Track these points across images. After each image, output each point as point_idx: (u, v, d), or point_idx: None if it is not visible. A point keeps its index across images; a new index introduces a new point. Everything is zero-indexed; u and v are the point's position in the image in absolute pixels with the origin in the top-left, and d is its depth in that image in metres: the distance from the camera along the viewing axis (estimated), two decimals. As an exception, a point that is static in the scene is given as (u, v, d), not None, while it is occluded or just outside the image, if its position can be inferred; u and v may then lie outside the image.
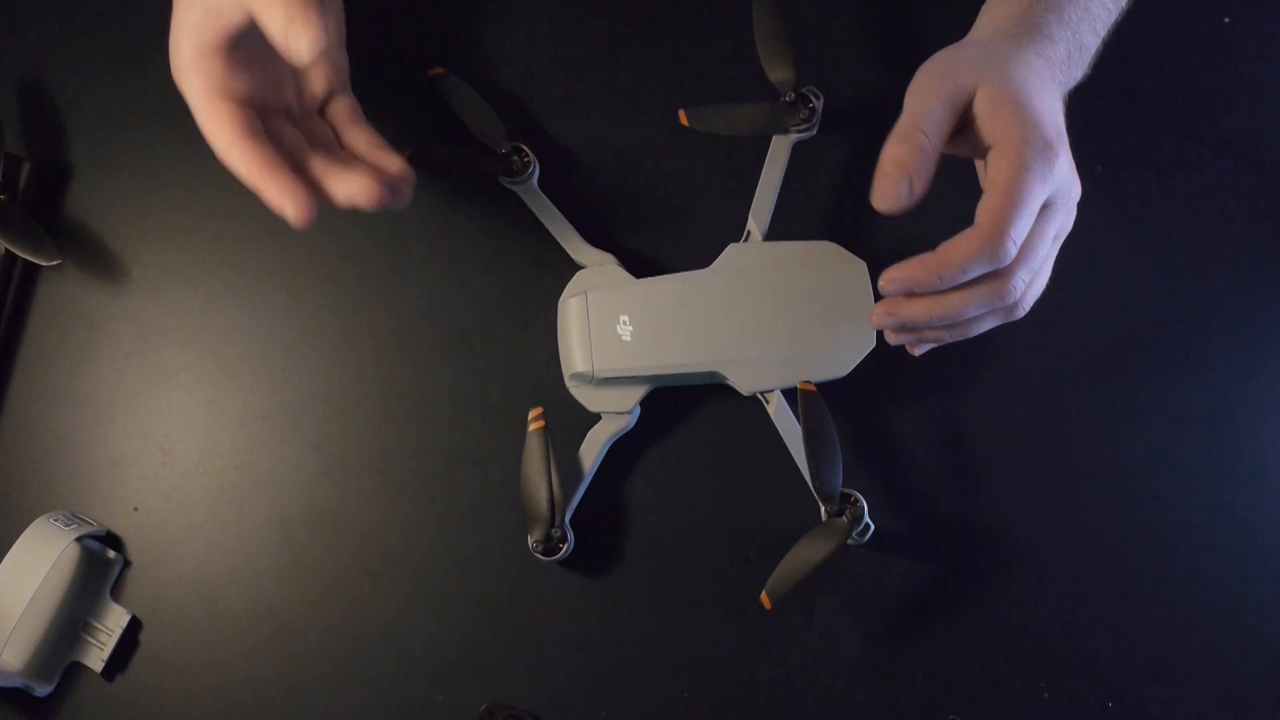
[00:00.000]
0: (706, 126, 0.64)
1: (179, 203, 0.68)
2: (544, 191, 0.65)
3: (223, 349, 0.66)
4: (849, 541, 0.58)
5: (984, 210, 0.49)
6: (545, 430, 0.59)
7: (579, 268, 0.64)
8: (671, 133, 0.68)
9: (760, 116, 0.64)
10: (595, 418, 0.62)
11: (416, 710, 0.61)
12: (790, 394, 0.61)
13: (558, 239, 0.65)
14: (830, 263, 0.62)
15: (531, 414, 0.59)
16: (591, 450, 0.62)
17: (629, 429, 0.62)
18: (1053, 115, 0.51)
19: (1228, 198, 0.68)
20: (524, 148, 0.65)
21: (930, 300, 0.51)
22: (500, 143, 0.64)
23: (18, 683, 0.59)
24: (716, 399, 0.64)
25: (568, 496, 0.60)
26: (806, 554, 0.56)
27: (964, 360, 0.65)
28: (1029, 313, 0.53)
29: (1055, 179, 0.49)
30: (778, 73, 0.64)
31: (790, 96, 0.64)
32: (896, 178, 0.49)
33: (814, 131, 0.64)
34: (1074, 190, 0.52)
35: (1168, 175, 0.68)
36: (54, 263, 0.63)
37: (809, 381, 0.60)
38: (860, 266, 0.62)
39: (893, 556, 0.63)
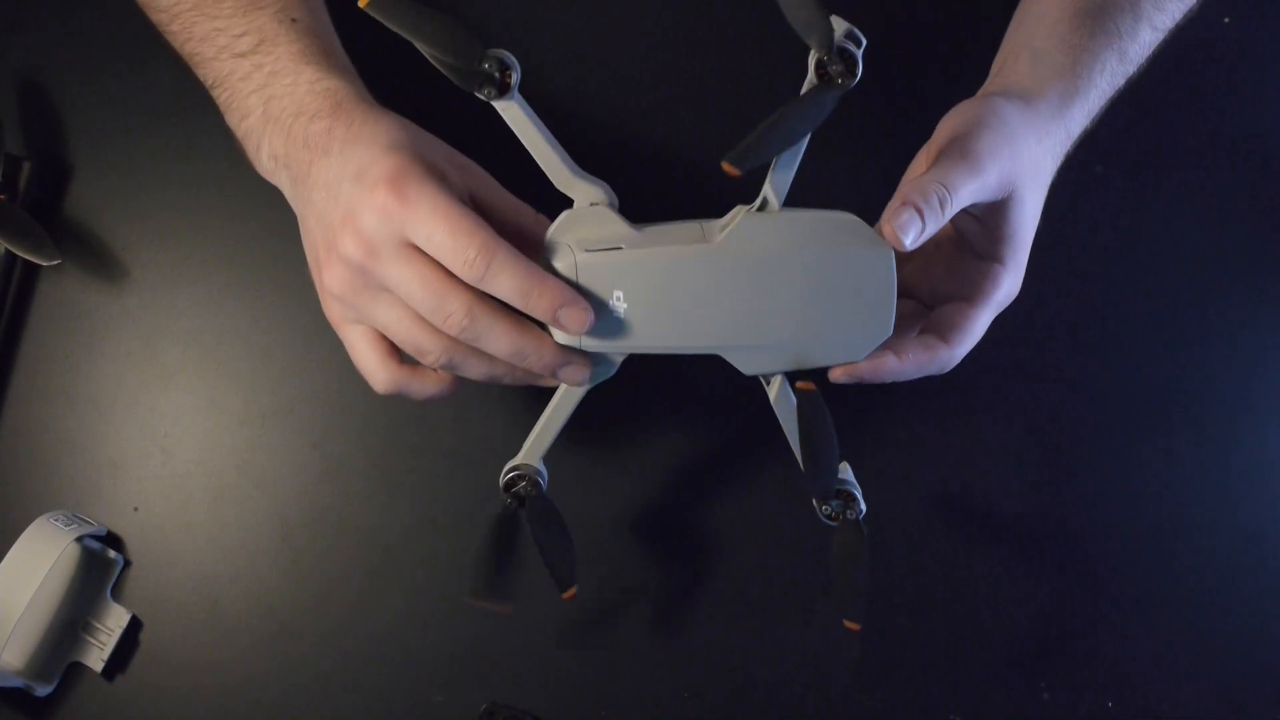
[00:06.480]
0: (758, 160, 0.53)
1: (179, 203, 0.67)
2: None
3: (223, 349, 0.66)
4: (823, 522, 0.56)
5: (939, 342, 0.56)
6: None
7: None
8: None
9: (810, 111, 0.54)
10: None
11: (416, 710, 0.61)
12: (793, 377, 0.59)
13: (541, 165, 0.54)
14: (851, 241, 0.55)
15: None
16: (570, 398, 0.56)
17: (610, 376, 0.56)
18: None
19: (1228, 198, 0.68)
20: (504, 57, 0.52)
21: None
22: (474, 59, 0.51)
23: (18, 683, 0.59)
24: (717, 396, 0.64)
25: (543, 439, 0.56)
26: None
27: (964, 360, 0.65)
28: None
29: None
30: (813, 35, 0.53)
31: (826, 56, 0.53)
32: (908, 214, 0.51)
33: (856, 80, 0.54)
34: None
35: (1168, 175, 0.68)
36: (54, 263, 0.63)
37: (809, 381, 0.58)
38: (886, 251, 0.55)
39: (893, 556, 0.63)
